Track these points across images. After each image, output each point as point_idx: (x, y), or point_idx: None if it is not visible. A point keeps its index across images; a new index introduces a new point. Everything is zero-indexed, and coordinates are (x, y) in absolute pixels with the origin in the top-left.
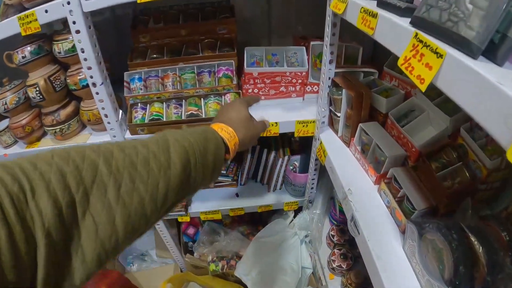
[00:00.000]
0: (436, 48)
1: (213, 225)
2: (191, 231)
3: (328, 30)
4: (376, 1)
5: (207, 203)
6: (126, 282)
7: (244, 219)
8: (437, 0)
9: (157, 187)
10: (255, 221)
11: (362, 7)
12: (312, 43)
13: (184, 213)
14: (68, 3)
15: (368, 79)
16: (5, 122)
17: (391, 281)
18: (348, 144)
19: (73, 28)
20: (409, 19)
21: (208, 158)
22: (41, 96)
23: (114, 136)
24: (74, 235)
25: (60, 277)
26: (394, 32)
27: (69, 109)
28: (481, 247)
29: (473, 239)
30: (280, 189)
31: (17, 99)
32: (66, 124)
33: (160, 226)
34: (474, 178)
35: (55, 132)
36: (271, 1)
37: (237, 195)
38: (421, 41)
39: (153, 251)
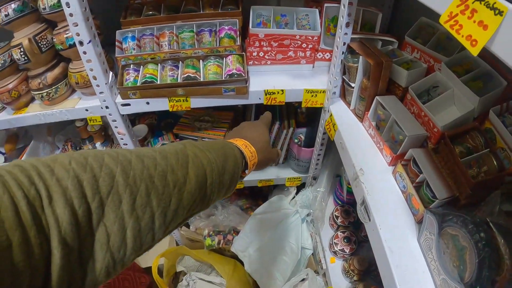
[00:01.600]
0: (494, 3)
1: None
2: None
3: None
4: None
5: None
6: None
7: (244, 192)
8: None
9: (169, 203)
10: (255, 195)
11: None
12: (326, 5)
13: None
14: None
15: (386, 48)
16: None
17: (403, 277)
18: (361, 118)
19: None
20: None
21: (225, 177)
22: (26, 58)
23: (104, 101)
24: (87, 243)
25: (70, 285)
26: None
27: (57, 71)
28: (508, 249)
29: (499, 239)
30: (283, 163)
31: (2, 61)
32: (53, 87)
33: None
34: (502, 169)
35: (42, 96)
36: None
37: None
38: None
39: None
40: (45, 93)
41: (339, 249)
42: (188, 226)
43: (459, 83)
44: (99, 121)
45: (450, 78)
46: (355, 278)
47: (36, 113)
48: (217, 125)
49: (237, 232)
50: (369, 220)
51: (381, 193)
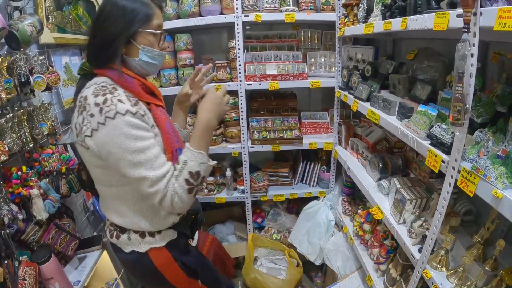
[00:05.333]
0: (375, 114)
1: (277, 210)
2: (259, 220)
3: (336, 103)
4: (353, 96)
5: (276, 191)
6: (219, 244)
7: (293, 211)
8: (378, 97)
9: None
10: (300, 212)
11: (345, 95)
12: (330, 110)
13: (265, 194)
14: (240, 84)
15: (354, 123)
16: None
17: (364, 180)
18: (346, 149)
19: (239, 94)
20: (368, 103)
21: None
22: None
23: (243, 144)
24: None
25: None
26: (363, 107)
27: (220, 130)
28: (388, 160)
29: (385, 157)
30: (315, 185)
31: (193, 121)
32: (216, 137)
33: (249, 209)
34: (391, 146)
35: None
36: (311, 91)
37: (293, 188)
38: (372, 112)
39: (231, 236)
40: (213, 139)
41: (346, 208)
42: (260, 230)
43: (377, 127)
44: (236, 154)
45: (375, 127)
46: (354, 216)
47: None
48: (281, 167)
49: (290, 232)
50: (349, 170)
51: (354, 166)
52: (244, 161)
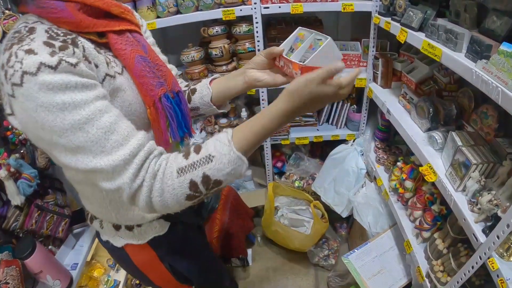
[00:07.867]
0: (435, 49)
1: (299, 154)
2: (279, 164)
3: (372, 32)
4: (399, 24)
5: (299, 133)
6: (236, 195)
7: (317, 154)
8: (438, 27)
9: None
10: (325, 156)
11: (387, 21)
12: (363, 40)
13: (286, 137)
14: (254, 8)
15: (393, 57)
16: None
17: (409, 128)
18: (383, 87)
19: (254, 20)
20: (422, 33)
21: None
22: (221, 54)
23: None
24: None
25: None
26: (415, 38)
27: (233, 64)
28: (439, 105)
29: (436, 102)
30: (343, 127)
31: (200, 55)
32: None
33: (268, 153)
34: (440, 87)
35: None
36: (339, 17)
37: (317, 129)
38: (430, 45)
39: (248, 183)
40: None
41: (380, 156)
42: (280, 175)
43: (421, 63)
44: (253, 92)
45: (418, 63)
46: (390, 168)
47: None
48: None
49: (313, 178)
50: (390, 115)
51: (394, 108)
52: (262, 99)
